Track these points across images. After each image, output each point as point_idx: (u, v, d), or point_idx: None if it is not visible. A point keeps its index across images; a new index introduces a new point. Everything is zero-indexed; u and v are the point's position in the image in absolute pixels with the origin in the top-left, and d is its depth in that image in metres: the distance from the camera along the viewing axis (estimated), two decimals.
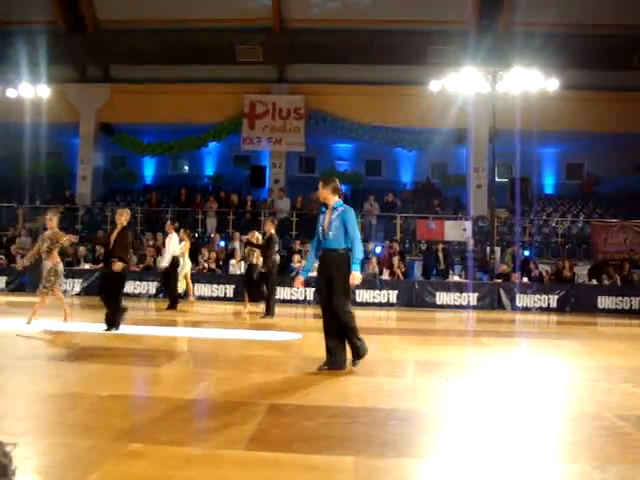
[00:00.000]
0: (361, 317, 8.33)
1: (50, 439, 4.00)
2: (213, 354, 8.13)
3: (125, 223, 9.83)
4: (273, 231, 12.97)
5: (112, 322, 9.66)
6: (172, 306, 14.24)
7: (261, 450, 3.87)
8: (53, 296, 10.65)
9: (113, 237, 9.82)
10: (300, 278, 7.33)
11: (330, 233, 6.65)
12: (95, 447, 3.81)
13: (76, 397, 5.24)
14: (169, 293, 14.81)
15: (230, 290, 17.72)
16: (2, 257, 19.19)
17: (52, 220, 10.70)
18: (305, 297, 17.49)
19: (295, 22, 22.23)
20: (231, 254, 18.76)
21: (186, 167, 27.58)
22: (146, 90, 23.17)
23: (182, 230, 15.63)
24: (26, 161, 24.92)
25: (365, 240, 16.41)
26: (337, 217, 6.68)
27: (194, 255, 17.67)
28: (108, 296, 9.74)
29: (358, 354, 6.79)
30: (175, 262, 14.41)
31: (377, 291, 17.63)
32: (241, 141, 23.54)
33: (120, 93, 23.55)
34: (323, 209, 6.90)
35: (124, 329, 9.85)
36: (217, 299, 17.64)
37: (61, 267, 10.73)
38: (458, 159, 24.94)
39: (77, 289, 17.65)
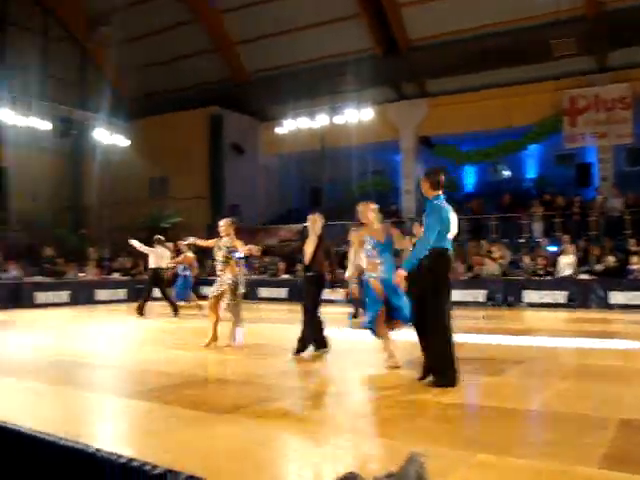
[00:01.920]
0: None
1: (396, 442, 4.22)
2: (550, 363, 7.84)
3: (320, 231, 8.75)
4: None
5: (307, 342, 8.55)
6: None
7: (618, 470, 3.60)
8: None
9: (310, 249, 8.68)
10: None
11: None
12: (444, 455, 3.90)
13: (420, 404, 5.45)
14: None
15: (562, 296, 16.94)
16: (342, 271, 20.80)
17: (225, 226, 9.55)
18: None
19: (609, 3, 20.63)
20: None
21: (507, 172, 27.19)
22: (460, 100, 23.43)
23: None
24: (354, 181, 26.90)
25: None
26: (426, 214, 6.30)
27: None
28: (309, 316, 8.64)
29: None
30: None
31: None
32: (563, 139, 22.49)
33: (436, 106, 24.17)
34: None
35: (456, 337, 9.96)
36: (547, 306, 16.99)
37: (242, 279, 9.51)
38: None
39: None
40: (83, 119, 23.71)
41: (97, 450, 1.74)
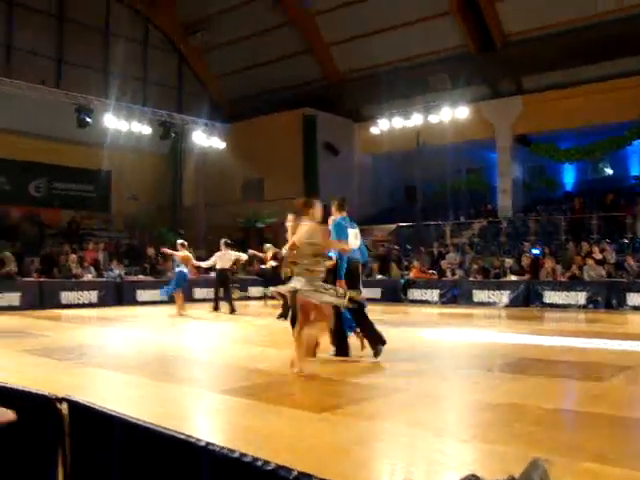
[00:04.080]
0: None
1: (497, 446, 4.13)
2: None
3: None
4: None
5: None
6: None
7: None
8: None
9: None
10: None
11: None
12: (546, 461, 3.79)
13: (519, 408, 5.33)
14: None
15: None
16: (434, 272, 20.64)
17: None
18: None
19: None
20: None
21: (609, 169, 26.12)
22: (558, 96, 22.65)
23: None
24: (449, 180, 26.57)
25: None
26: None
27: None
28: None
29: None
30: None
31: None
32: None
33: (532, 103, 23.48)
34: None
35: (556, 340, 9.69)
36: None
37: None
38: None
39: (505, 300, 17.99)
40: (181, 123, 24.50)
41: (208, 444, 1.79)
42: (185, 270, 15.85)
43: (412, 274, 20.43)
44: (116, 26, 27.07)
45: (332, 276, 7.41)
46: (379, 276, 21.14)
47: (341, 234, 7.72)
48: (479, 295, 18.50)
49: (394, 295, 19.62)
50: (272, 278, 14.68)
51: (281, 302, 13.63)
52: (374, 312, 16.91)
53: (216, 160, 26.27)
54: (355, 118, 27.90)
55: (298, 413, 5.18)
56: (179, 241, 16.03)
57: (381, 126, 23.66)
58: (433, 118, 22.21)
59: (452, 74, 24.29)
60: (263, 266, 16.40)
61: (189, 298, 18.02)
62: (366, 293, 19.78)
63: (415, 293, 19.61)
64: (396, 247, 23.18)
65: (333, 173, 26.30)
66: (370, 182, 28.47)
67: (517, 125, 24.15)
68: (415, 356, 8.42)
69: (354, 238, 7.99)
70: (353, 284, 7.57)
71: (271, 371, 7.03)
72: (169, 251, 16.11)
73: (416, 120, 22.44)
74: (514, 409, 5.32)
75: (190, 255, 15.82)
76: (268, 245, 15.63)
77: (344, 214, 8.11)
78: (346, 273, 7.51)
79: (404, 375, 6.74)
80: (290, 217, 8.72)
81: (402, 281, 19.95)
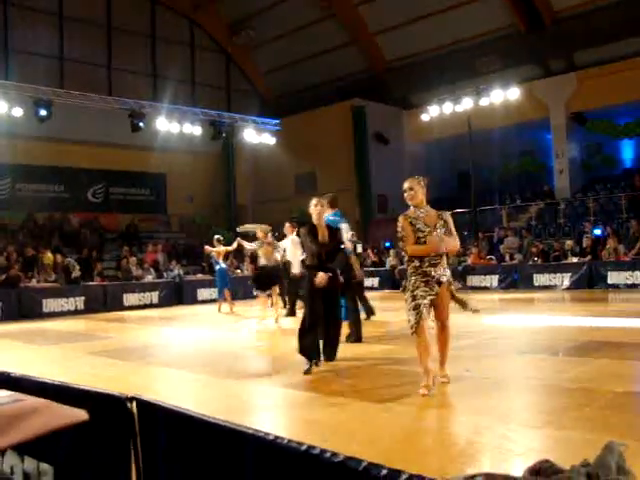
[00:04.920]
0: None
1: (566, 432, 4.05)
2: None
3: None
4: None
5: None
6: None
7: None
8: None
9: None
10: None
11: None
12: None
13: (589, 392, 5.21)
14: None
15: None
16: (492, 257, 20.34)
17: None
18: None
19: None
20: None
21: None
22: (613, 70, 21.95)
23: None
24: (502, 163, 26.11)
25: None
26: None
27: None
28: None
29: None
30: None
31: None
32: None
33: (586, 79, 22.84)
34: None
35: (622, 322, 9.43)
36: None
37: None
38: None
39: (566, 283, 17.60)
40: (231, 121, 24.71)
41: (276, 437, 1.80)
42: (224, 266, 15.95)
43: (470, 260, 20.17)
44: (162, 30, 27.53)
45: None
46: None
47: None
48: (540, 279, 18.15)
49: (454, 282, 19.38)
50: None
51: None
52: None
53: (268, 156, 26.42)
54: (404, 106, 27.69)
55: (362, 404, 5.18)
56: (215, 236, 15.88)
57: (431, 112, 23.35)
58: (484, 101, 21.83)
59: (501, 55, 23.84)
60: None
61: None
62: None
63: (474, 279, 19.36)
64: None
65: (384, 163, 26.16)
66: (422, 170, 28.02)
67: (571, 103, 23.55)
68: (478, 342, 8.31)
69: (346, 233, 8.85)
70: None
71: (335, 363, 7.03)
72: (209, 248, 15.97)
73: (466, 104, 22.07)
74: (584, 393, 5.20)
75: (224, 248, 15.62)
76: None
77: (336, 210, 9.02)
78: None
79: (467, 361, 6.66)
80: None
81: (460, 268, 19.72)
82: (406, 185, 5.61)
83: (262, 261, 12.43)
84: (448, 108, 22.59)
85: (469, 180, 22.63)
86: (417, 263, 5.46)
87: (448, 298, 5.61)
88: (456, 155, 25.78)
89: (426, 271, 5.43)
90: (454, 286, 5.71)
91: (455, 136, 23.95)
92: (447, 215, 5.65)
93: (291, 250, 12.40)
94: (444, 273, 5.52)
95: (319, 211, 6.93)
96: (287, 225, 13.08)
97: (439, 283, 5.45)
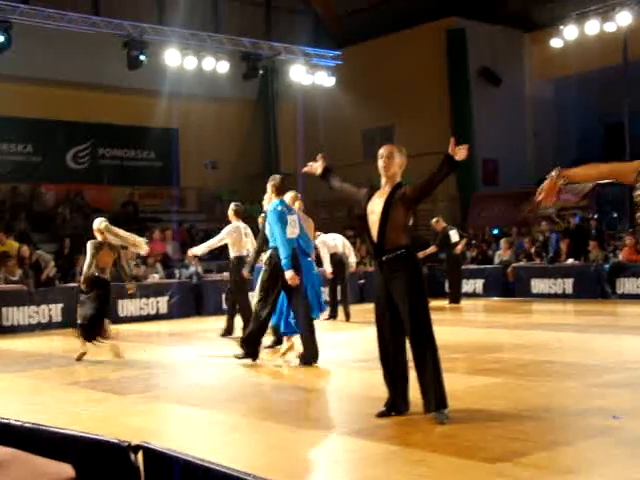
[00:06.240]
0: None
1: None
2: None
3: None
4: None
5: None
6: None
7: None
8: None
9: None
10: None
11: None
12: None
13: None
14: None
15: None
16: None
17: None
18: None
19: None
20: None
21: None
22: None
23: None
24: None
25: None
26: None
27: None
28: None
29: None
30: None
31: None
32: None
33: None
34: None
35: None
36: None
37: None
38: None
39: None
40: (272, 53, 24.62)
41: None
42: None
43: (622, 256, 19.81)
44: None
45: None
46: (570, 260, 20.57)
47: (280, 223, 9.27)
48: None
49: (594, 287, 19.11)
50: None
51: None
52: (558, 313, 16.59)
53: (324, 104, 26.42)
54: (525, 27, 27.28)
55: (463, 464, 5.16)
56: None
57: (566, 35, 22.74)
58: None
59: None
60: None
61: None
62: (544, 285, 19.58)
63: (627, 284, 18.99)
64: (595, 217, 22.52)
65: (494, 113, 25.90)
66: (552, 122, 27.87)
67: None
68: (633, 378, 8.20)
69: (292, 227, 9.56)
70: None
71: (416, 401, 7.02)
72: None
73: (622, 20, 21.39)
74: None
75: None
76: None
77: (282, 197, 9.81)
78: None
79: (617, 406, 6.58)
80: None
81: (606, 267, 19.38)
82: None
83: None
84: (593, 27, 21.98)
85: (623, 135, 22.26)
86: None
87: None
88: (605, 99, 25.37)
89: None
90: None
91: (603, 70, 23.54)
92: None
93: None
94: None
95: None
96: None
97: None
